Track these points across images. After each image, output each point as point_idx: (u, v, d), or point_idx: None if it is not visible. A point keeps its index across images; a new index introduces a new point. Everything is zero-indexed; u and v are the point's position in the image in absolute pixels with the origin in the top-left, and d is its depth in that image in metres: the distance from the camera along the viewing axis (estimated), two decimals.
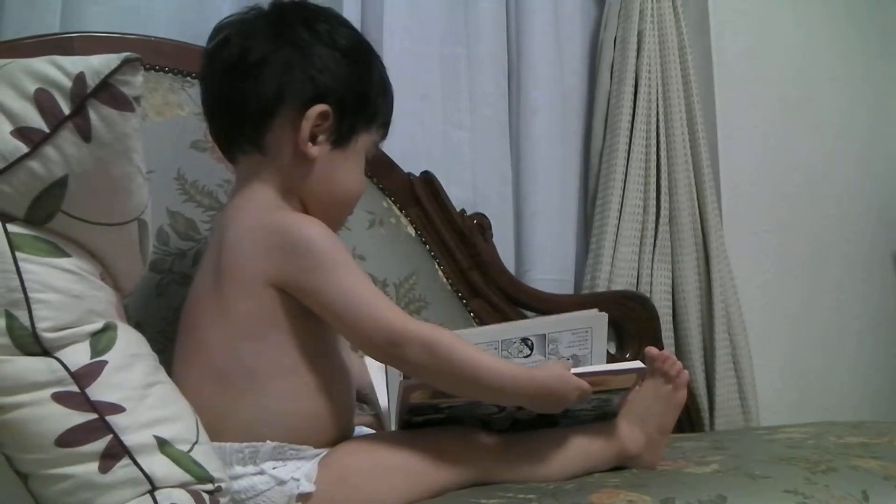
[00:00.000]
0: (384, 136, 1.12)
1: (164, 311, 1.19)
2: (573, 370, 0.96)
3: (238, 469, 0.91)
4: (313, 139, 1.02)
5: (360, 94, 1.05)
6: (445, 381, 0.94)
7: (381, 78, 1.09)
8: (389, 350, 0.93)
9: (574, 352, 1.02)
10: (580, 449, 1.02)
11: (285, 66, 1.01)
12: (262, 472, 0.91)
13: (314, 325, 0.97)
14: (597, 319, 1.03)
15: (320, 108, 1.01)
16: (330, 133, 1.03)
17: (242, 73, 1.01)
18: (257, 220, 0.99)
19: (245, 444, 0.92)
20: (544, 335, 1.00)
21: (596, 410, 1.02)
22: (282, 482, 0.91)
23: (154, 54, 1.27)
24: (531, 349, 1.00)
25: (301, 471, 0.92)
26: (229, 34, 1.04)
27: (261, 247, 0.96)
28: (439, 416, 0.99)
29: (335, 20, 1.08)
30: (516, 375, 0.94)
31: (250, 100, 1.01)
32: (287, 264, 0.95)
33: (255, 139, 1.02)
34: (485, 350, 0.99)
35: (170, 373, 1.00)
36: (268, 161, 1.03)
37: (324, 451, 0.96)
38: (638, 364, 1.00)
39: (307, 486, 0.91)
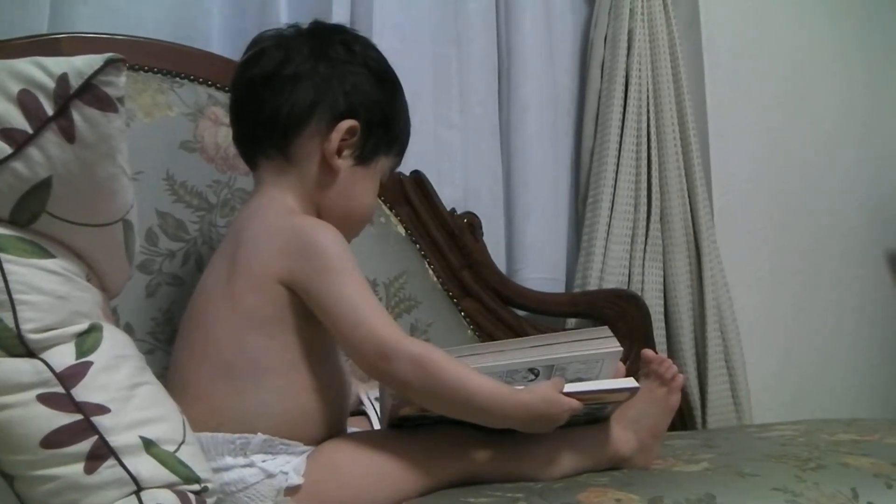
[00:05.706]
0: (398, 164, 1.17)
1: (153, 311, 1.19)
2: (565, 388, 0.95)
3: (228, 460, 0.92)
4: (339, 153, 1.06)
5: (387, 118, 1.10)
6: (432, 400, 0.94)
7: (404, 108, 1.14)
8: (378, 363, 0.93)
9: (580, 376, 1.01)
10: (571, 450, 1.01)
11: (323, 80, 1.06)
12: (251, 465, 0.92)
13: (317, 326, 0.98)
14: (610, 354, 1.00)
15: (350, 122, 1.05)
16: (355, 149, 1.07)
17: (280, 81, 1.05)
18: (275, 221, 1.01)
19: (237, 434, 0.93)
20: (552, 366, 0.99)
21: (588, 416, 1.02)
22: (271, 475, 0.92)
23: (142, 55, 1.27)
24: (536, 375, 0.99)
25: (290, 465, 0.93)
26: (268, 46, 1.08)
27: (275, 245, 0.99)
28: (428, 421, 0.99)
29: (369, 45, 1.13)
30: (505, 399, 0.93)
31: (284, 107, 1.05)
32: (297, 263, 0.97)
33: (283, 145, 1.06)
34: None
35: (169, 366, 1.02)
36: (292, 168, 1.06)
37: (313, 447, 0.96)
38: (631, 383, 1.00)
39: (296, 479, 0.91)
